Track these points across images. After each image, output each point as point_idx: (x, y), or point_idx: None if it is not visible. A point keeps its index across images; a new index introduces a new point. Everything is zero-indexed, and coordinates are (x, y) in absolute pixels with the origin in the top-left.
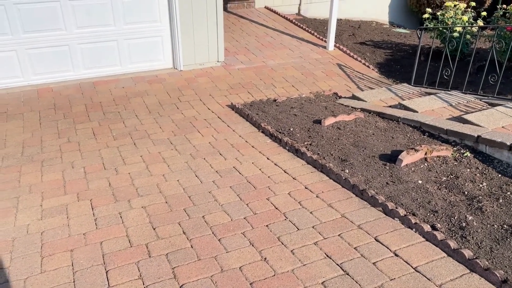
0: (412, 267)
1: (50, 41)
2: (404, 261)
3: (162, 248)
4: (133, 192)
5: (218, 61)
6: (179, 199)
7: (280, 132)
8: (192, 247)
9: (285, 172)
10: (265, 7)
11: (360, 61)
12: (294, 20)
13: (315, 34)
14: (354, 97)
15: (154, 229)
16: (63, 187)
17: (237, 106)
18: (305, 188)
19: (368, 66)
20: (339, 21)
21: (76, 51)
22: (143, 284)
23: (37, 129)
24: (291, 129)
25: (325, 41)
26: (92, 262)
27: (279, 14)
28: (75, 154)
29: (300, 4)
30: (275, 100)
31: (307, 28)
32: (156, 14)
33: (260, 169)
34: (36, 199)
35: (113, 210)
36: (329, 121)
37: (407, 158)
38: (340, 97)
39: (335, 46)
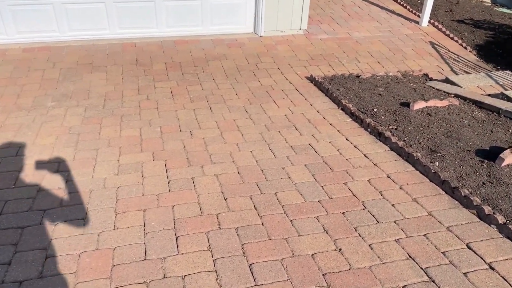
0: (510, 285)
1: None
2: (501, 276)
3: (233, 221)
4: (207, 158)
5: (300, 29)
6: (252, 172)
7: (362, 112)
8: (263, 224)
9: (365, 156)
10: None
11: (456, 41)
12: None
13: (408, 7)
14: (447, 81)
15: (225, 199)
16: (139, 144)
17: (316, 79)
18: (387, 177)
19: (465, 48)
20: None
21: (161, 8)
22: (212, 256)
23: (119, 83)
24: (375, 109)
25: (418, 16)
26: (164, 226)
27: None
28: (152, 112)
29: None
30: (358, 76)
31: (399, 0)
32: None
33: (338, 150)
34: (114, 153)
35: (186, 174)
36: (418, 105)
37: (510, 158)
38: (431, 79)
39: (429, 22)
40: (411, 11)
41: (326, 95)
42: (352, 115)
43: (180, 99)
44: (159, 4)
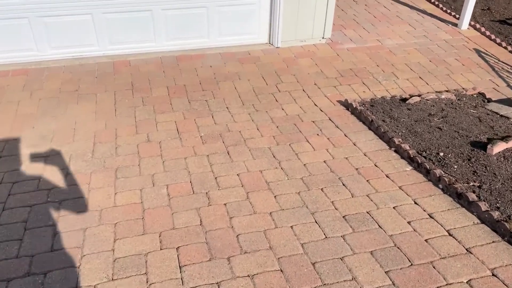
0: None
1: (131, 4)
2: None
3: None
4: (233, 242)
5: (323, 38)
6: (300, 268)
7: (424, 157)
8: None
9: (450, 235)
10: None
11: (505, 48)
12: None
13: (441, 6)
14: (510, 102)
15: None
16: (141, 218)
17: (353, 105)
18: (492, 274)
19: None
20: None
21: (159, 17)
22: None
23: (112, 117)
24: (441, 154)
25: (455, 16)
26: None
27: None
28: (156, 162)
29: None
30: (404, 100)
31: None
32: None
33: (409, 223)
34: (107, 237)
35: (208, 275)
36: (498, 147)
37: None
38: (490, 100)
39: (469, 24)
40: (446, 11)
41: (370, 129)
42: (411, 160)
43: (189, 140)
44: (157, 13)
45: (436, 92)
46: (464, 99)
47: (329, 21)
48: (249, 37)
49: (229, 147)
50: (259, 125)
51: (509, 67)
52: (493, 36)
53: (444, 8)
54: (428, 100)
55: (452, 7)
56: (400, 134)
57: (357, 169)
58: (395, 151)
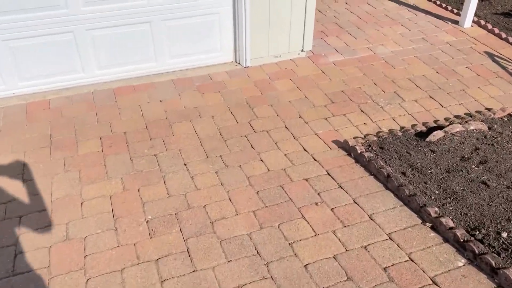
0: None
1: (45, 26)
2: None
3: None
4: None
5: (302, 50)
6: None
7: (480, 240)
8: None
9: None
10: None
11: None
12: None
13: (434, 0)
14: None
15: None
16: None
17: (357, 150)
18: None
19: None
20: None
21: (86, 40)
22: None
23: (19, 188)
24: (504, 234)
25: (453, 12)
26: None
27: None
28: (74, 284)
29: None
30: (421, 135)
31: None
32: None
33: None
34: None
35: None
36: None
37: None
38: None
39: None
40: (441, 6)
41: (387, 187)
42: (462, 247)
43: (129, 231)
44: (80, 35)
45: (459, 118)
46: (495, 126)
47: (309, 30)
48: (209, 56)
49: (190, 241)
50: (231, 193)
51: None
52: (503, 35)
53: (438, 2)
54: (454, 134)
55: (448, 0)
56: (433, 197)
57: (385, 269)
58: (433, 227)
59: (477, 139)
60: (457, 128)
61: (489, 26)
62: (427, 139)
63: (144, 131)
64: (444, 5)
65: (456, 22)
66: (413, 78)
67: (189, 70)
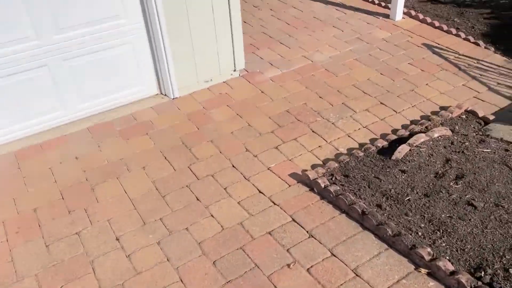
0: None
1: None
2: None
3: None
4: None
5: (235, 70)
6: None
7: (489, 284)
8: None
9: None
10: None
11: (457, 35)
12: None
13: None
14: None
15: None
16: None
17: (320, 184)
18: None
19: (475, 43)
20: None
21: None
22: None
23: None
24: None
25: (380, 5)
26: None
27: None
28: None
29: None
30: (383, 152)
31: None
32: (117, 4)
33: None
34: None
35: None
36: None
37: None
38: (485, 120)
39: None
40: (368, 0)
41: (365, 227)
42: None
43: None
44: None
45: (418, 125)
46: (457, 127)
47: (239, 47)
48: (129, 92)
49: None
50: (182, 270)
51: (475, 61)
52: (436, 23)
53: None
54: (420, 147)
55: None
56: (420, 233)
57: None
58: (430, 274)
59: (445, 147)
60: (422, 138)
61: (421, 16)
62: (393, 157)
63: (60, 203)
64: None
65: (387, 16)
66: (358, 84)
67: (107, 112)
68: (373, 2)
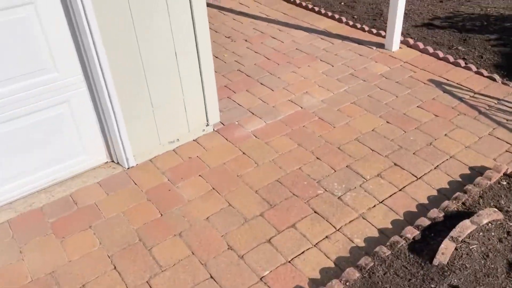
0: None
1: None
2: None
3: None
4: None
5: (207, 125)
6: None
7: None
8: None
9: None
10: None
11: (467, 68)
12: None
13: (345, 20)
14: None
15: None
16: None
17: None
18: None
19: (491, 78)
20: None
21: None
22: None
23: None
24: None
25: (372, 32)
26: None
27: None
28: None
29: None
30: (417, 248)
31: (325, 11)
32: (43, 55)
33: None
34: None
35: None
36: None
37: None
38: None
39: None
40: (356, 27)
41: None
42: None
43: None
44: None
45: (453, 201)
46: (502, 201)
47: (212, 94)
48: (68, 164)
49: None
50: None
51: (495, 100)
52: (440, 54)
53: (351, 23)
54: (469, 242)
55: (355, 17)
56: None
57: None
58: None
59: (501, 240)
60: (467, 228)
61: (421, 45)
62: (436, 262)
63: None
64: (359, 25)
65: (382, 46)
66: (362, 138)
67: (37, 194)
68: (362, 29)
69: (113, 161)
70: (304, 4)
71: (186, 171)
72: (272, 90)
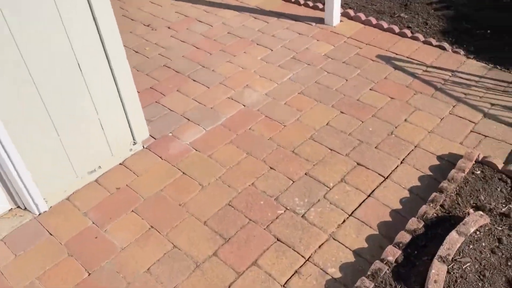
0: None
1: None
2: None
3: None
4: None
5: (135, 143)
6: None
7: None
8: None
9: None
10: None
11: (414, 38)
12: None
13: None
14: None
15: None
16: None
17: None
18: None
19: (441, 46)
20: None
21: None
22: None
23: None
24: None
25: (308, 5)
26: None
27: None
28: None
29: None
30: (399, 274)
31: None
32: None
33: None
34: None
35: None
36: None
37: None
38: (509, 174)
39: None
40: (291, 1)
41: None
42: None
43: None
44: None
45: (431, 205)
46: (482, 197)
47: (135, 105)
48: None
49: None
50: None
51: (449, 73)
52: (384, 24)
53: None
54: (460, 261)
55: None
56: None
57: None
58: None
59: (493, 251)
60: (456, 242)
61: (362, 17)
62: None
63: None
64: None
65: (321, 21)
66: (317, 135)
67: None
68: (297, 3)
69: (19, 207)
70: None
71: (115, 208)
72: (208, 87)
